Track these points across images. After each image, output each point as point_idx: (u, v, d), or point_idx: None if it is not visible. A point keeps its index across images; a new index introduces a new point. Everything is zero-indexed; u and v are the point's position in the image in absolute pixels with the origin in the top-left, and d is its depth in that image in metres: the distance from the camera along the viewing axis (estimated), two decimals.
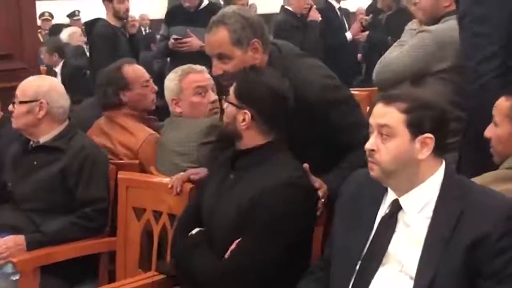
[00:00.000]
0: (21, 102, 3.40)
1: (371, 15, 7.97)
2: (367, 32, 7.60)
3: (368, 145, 2.25)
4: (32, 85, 3.45)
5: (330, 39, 7.14)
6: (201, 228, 2.72)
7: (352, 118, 2.80)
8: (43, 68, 7.74)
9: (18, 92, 3.43)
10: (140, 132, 3.83)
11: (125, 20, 6.02)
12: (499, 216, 2.11)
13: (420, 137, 2.20)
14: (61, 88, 3.52)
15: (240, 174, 2.67)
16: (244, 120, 2.64)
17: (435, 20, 3.66)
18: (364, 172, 2.34)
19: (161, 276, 2.94)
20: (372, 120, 2.26)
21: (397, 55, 3.64)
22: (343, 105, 2.85)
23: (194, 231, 2.72)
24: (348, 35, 7.42)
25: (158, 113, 4.15)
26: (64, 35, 8.34)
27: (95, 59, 5.96)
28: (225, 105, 2.72)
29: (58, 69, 7.51)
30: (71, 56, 7.69)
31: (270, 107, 2.65)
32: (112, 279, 3.33)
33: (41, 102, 3.39)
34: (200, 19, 5.68)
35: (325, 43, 7.05)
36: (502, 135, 2.71)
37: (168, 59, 6.39)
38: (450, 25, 3.45)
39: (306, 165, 2.67)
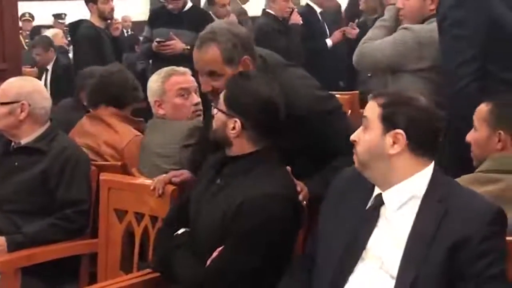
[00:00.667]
0: (2, 104, 3.39)
1: (356, 21, 7.92)
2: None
3: (351, 136, 2.32)
4: (14, 86, 3.43)
5: (309, 44, 7.14)
6: (187, 229, 2.72)
7: (341, 127, 2.81)
8: (31, 70, 7.73)
9: None
10: (126, 132, 3.85)
11: (109, 21, 6.01)
12: (482, 219, 2.14)
13: (391, 132, 2.23)
14: (43, 89, 3.52)
15: (227, 180, 2.65)
16: (234, 128, 2.62)
17: (420, 22, 3.70)
18: (352, 171, 2.39)
19: (142, 278, 2.92)
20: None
21: (378, 43, 3.70)
22: (333, 115, 2.86)
23: (180, 231, 2.72)
24: (329, 41, 7.42)
25: (142, 115, 4.17)
26: (52, 35, 8.30)
27: (78, 59, 5.96)
28: (214, 111, 2.70)
29: (50, 66, 7.51)
30: (59, 54, 7.69)
31: (260, 116, 2.63)
32: (93, 280, 3.31)
33: (22, 104, 3.38)
34: (183, 21, 5.70)
35: (305, 47, 7.06)
36: (480, 139, 2.77)
37: (151, 61, 6.39)
38: (433, 27, 3.48)
39: (288, 168, 2.68)
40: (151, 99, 3.68)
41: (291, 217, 2.59)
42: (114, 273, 3.23)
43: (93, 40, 5.89)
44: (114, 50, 6.37)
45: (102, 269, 3.29)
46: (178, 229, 2.74)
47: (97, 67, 4.51)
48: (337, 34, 7.44)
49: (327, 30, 7.63)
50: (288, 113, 2.69)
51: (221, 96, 2.67)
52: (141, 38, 8.38)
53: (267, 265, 2.54)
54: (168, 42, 5.64)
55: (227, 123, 2.64)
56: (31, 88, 3.45)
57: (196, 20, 5.47)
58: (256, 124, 2.63)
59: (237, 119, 2.62)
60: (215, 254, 2.56)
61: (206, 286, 2.54)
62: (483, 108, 2.77)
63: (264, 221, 2.51)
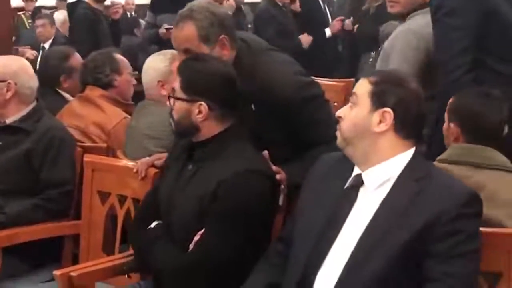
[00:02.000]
0: None
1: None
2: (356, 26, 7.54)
3: (337, 112, 2.31)
4: (0, 65, 3.40)
5: (309, 32, 7.10)
6: (160, 222, 2.70)
7: (323, 115, 2.80)
8: (32, 52, 7.67)
9: None
10: (115, 114, 3.86)
11: (105, 2, 5.97)
12: (457, 200, 2.12)
13: (379, 110, 2.21)
14: (30, 69, 3.48)
15: (199, 165, 2.64)
16: (200, 112, 2.60)
17: (410, 12, 3.62)
18: (334, 155, 2.37)
19: (124, 260, 2.92)
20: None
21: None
22: (315, 102, 2.84)
23: (153, 225, 2.69)
24: (328, 31, 7.37)
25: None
26: (57, 19, 8.21)
27: (74, 41, 5.92)
28: (171, 102, 2.65)
29: (47, 44, 7.48)
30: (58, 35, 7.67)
31: (224, 93, 2.62)
32: (75, 262, 3.30)
33: (8, 83, 3.35)
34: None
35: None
36: (444, 130, 2.80)
37: (156, 47, 6.32)
38: (426, 21, 3.42)
39: (265, 152, 2.66)
40: (153, 79, 3.62)
41: (268, 191, 2.59)
42: (96, 255, 3.23)
43: (89, 22, 5.85)
44: (112, 33, 6.33)
45: (84, 251, 3.29)
46: (151, 222, 2.70)
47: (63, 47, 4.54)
48: (336, 24, 7.40)
49: (330, 19, 7.59)
50: (268, 98, 2.67)
51: (177, 84, 2.62)
52: (142, 22, 8.36)
53: (250, 243, 2.54)
54: None
55: (191, 110, 2.60)
56: (18, 67, 3.42)
57: None
58: (221, 102, 2.61)
59: (202, 102, 2.59)
60: (197, 237, 2.54)
61: (191, 270, 2.52)
62: (451, 100, 2.81)
63: (243, 198, 2.52)
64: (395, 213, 2.15)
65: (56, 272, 2.76)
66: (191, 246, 2.55)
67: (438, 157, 2.70)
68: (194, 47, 2.73)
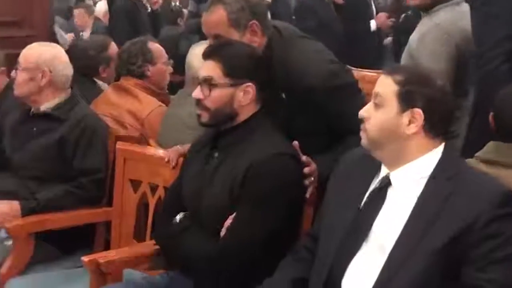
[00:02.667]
0: (23, 69, 3.38)
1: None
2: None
3: (360, 112, 2.23)
4: (36, 52, 3.42)
5: (353, 24, 7.04)
6: (185, 212, 2.68)
7: (355, 104, 2.74)
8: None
9: (21, 58, 3.41)
10: (150, 102, 3.87)
11: None
12: (491, 201, 2.05)
13: (408, 111, 2.15)
14: (65, 56, 3.49)
15: (226, 151, 2.62)
16: (245, 94, 2.57)
17: (428, 4, 3.52)
18: (360, 151, 2.31)
19: (155, 247, 2.92)
20: (374, 89, 2.24)
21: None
22: (347, 90, 2.79)
23: (178, 217, 2.67)
24: (373, 23, 7.28)
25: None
26: (99, 9, 8.27)
27: (114, 31, 5.94)
28: (205, 92, 2.58)
29: (86, 33, 7.51)
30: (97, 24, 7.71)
31: (263, 74, 2.61)
32: (108, 249, 3.31)
33: (43, 70, 3.37)
34: None
35: (348, 27, 6.95)
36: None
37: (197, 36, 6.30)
38: (452, 15, 3.35)
39: (295, 143, 2.63)
40: (197, 68, 3.59)
41: (298, 174, 2.57)
42: (127, 242, 3.25)
43: (128, 12, 5.87)
44: (152, 23, 6.35)
45: (116, 238, 3.31)
46: (175, 215, 2.69)
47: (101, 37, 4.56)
48: (382, 17, 7.31)
49: (375, 11, 7.50)
50: (299, 86, 2.65)
51: (215, 71, 2.58)
52: (185, 11, 8.36)
53: (281, 227, 2.53)
54: None
55: (235, 94, 2.57)
56: (53, 54, 3.44)
57: None
58: (261, 83, 2.59)
59: (249, 83, 2.57)
60: (228, 222, 2.52)
61: (225, 255, 2.51)
62: None
63: (274, 181, 2.49)
64: (429, 216, 2.09)
65: (84, 258, 2.77)
66: (222, 232, 2.53)
67: (475, 154, 2.62)
68: (224, 32, 2.71)
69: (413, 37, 3.50)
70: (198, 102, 2.60)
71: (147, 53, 4.00)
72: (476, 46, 3.17)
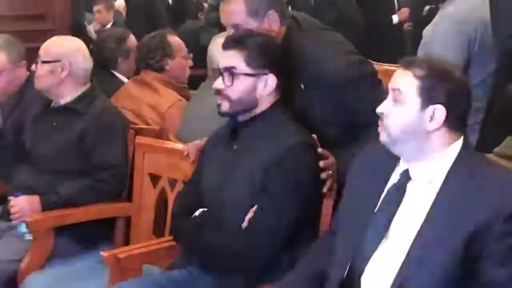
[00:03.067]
0: (43, 62, 3.37)
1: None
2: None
3: (378, 108, 2.18)
4: (56, 45, 3.41)
5: (374, 18, 6.97)
6: (204, 209, 2.67)
7: (374, 95, 2.70)
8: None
9: (41, 51, 3.40)
10: (170, 96, 3.86)
11: None
12: (510, 197, 2.01)
13: (430, 108, 2.10)
14: (85, 49, 3.48)
15: (245, 143, 2.61)
16: (267, 84, 2.58)
17: None
18: (378, 145, 2.26)
19: (174, 242, 2.90)
20: (389, 83, 2.18)
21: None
22: (366, 80, 2.75)
23: (197, 213, 2.66)
24: (395, 18, 7.20)
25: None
26: (119, 3, 8.27)
27: (131, 26, 5.91)
28: (226, 82, 2.59)
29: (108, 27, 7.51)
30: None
31: (283, 64, 2.62)
32: (126, 243, 3.31)
33: (63, 63, 3.36)
34: None
35: (369, 20, 6.88)
36: None
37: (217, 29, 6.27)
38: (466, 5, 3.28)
39: (314, 136, 2.61)
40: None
41: (317, 162, 2.57)
42: (147, 237, 3.23)
43: (144, 6, 5.85)
44: (172, 16, 6.31)
45: (135, 233, 3.31)
46: (193, 212, 2.68)
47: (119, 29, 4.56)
48: (405, 11, 7.23)
49: (397, 5, 7.41)
50: (318, 76, 2.63)
51: (237, 60, 2.58)
52: (205, 5, 8.33)
53: (304, 217, 2.53)
54: None
55: (257, 84, 2.58)
56: (73, 47, 3.43)
57: None
58: (281, 73, 2.61)
59: (271, 73, 2.58)
60: (250, 214, 2.51)
61: (250, 247, 2.49)
62: None
63: (296, 171, 2.51)
64: (449, 212, 2.05)
65: (104, 253, 2.77)
66: (244, 224, 2.51)
67: (494, 150, 2.57)
68: (242, 21, 2.70)
69: (427, 28, 3.45)
70: (219, 92, 2.61)
71: (167, 47, 3.99)
72: (495, 29, 3.10)
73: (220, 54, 3.46)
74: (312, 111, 2.70)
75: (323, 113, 2.70)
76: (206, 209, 2.66)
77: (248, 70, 2.58)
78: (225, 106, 2.61)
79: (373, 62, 3.10)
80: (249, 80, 2.59)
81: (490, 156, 2.49)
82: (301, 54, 2.70)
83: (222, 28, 5.62)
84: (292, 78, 2.65)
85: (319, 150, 2.60)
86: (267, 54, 2.60)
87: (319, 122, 2.69)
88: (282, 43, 2.71)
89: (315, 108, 2.70)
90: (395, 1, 7.49)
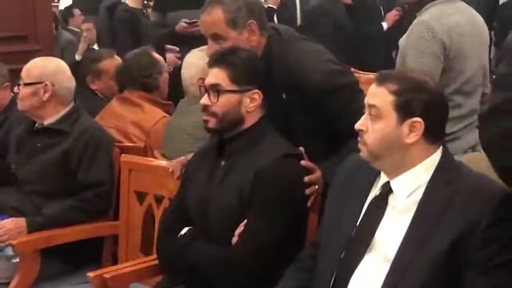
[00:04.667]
0: (26, 84, 3.37)
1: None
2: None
3: (357, 125, 2.18)
4: (37, 66, 3.41)
5: (366, 27, 6.97)
6: (190, 227, 2.65)
7: (355, 104, 2.70)
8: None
9: (23, 74, 3.40)
10: (154, 113, 3.85)
11: (145, 1, 5.93)
12: (491, 204, 2.00)
13: (408, 121, 2.10)
14: (67, 69, 3.48)
15: (233, 159, 2.61)
16: (252, 101, 2.59)
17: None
18: (358, 157, 2.26)
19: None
20: (365, 100, 2.19)
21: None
22: (347, 90, 2.75)
23: (184, 231, 2.65)
24: (384, 25, 7.21)
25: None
26: None
27: (117, 43, 5.87)
28: (212, 97, 2.59)
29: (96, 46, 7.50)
30: None
31: (264, 80, 2.62)
32: (115, 263, 3.29)
33: (46, 84, 3.35)
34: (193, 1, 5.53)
35: (358, 30, 6.89)
36: None
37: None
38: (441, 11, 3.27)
39: (301, 148, 2.60)
40: (194, 76, 3.57)
41: (304, 174, 2.58)
42: (135, 255, 3.21)
43: (130, 23, 5.82)
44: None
45: (123, 252, 3.28)
46: (180, 230, 2.66)
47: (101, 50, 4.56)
48: (391, 15, 7.23)
49: (383, 12, 7.43)
50: (299, 86, 2.64)
51: (222, 77, 2.58)
52: None
53: (294, 230, 2.54)
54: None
55: (242, 100, 2.59)
56: (55, 68, 3.43)
57: None
58: (264, 89, 2.61)
59: (256, 90, 2.58)
60: (239, 230, 2.50)
61: (241, 263, 2.48)
62: None
63: (285, 183, 2.52)
64: (431, 222, 2.05)
65: (90, 274, 2.74)
66: (234, 239, 2.51)
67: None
68: (221, 32, 2.69)
69: (403, 37, 3.44)
70: (205, 108, 2.61)
71: (157, 64, 3.99)
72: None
73: (189, 72, 3.56)
74: (294, 120, 2.70)
75: (305, 121, 2.70)
76: (191, 228, 2.65)
77: (233, 87, 2.58)
78: (212, 123, 2.61)
79: (361, 72, 3.10)
80: (234, 97, 2.59)
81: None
82: (282, 63, 2.70)
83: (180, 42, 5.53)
84: (273, 88, 2.65)
85: (303, 162, 2.60)
86: (252, 71, 2.60)
87: (301, 130, 2.69)
88: (263, 54, 2.71)
89: (297, 116, 2.70)
90: (381, 9, 7.51)
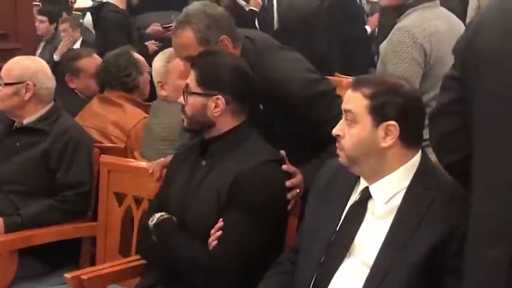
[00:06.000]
0: (6, 84, 3.34)
1: None
2: None
3: (334, 130, 2.19)
4: (18, 66, 3.39)
5: (350, 29, 6.98)
6: (162, 214, 2.64)
7: (334, 112, 2.69)
8: None
9: (3, 73, 3.37)
10: (135, 114, 3.84)
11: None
12: (466, 209, 1.99)
13: (383, 124, 2.11)
14: (47, 68, 3.46)
15: (214, 159, 2.61)
16: (216, 106, 2.57)
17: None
18: (338, 162, 2.27)
19: (140, 262, 2.87)
20: (342, 105, 2.20)
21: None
22: (324, 98, 2.77)
23: (155, 218, 2.62)
24: (368, 28, 7.24)
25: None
26: (87, 20, 8.19)
27: (107, 45, 5.83)
28: (184, 97, 2.61)
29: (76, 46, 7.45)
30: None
31: (239, 87, 2.60)
32: (93, 264, 3.28)
33: (27, 84, 3.34)
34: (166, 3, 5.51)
35: (341, 33, 6.90)
36: None
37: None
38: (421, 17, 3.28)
39: (283, 152, 2.61)
40: (155, 80, 3.65)
41: (285, 180, 2.58)
42: (113, 257, 3.20)
43: (120, 24, 5.79)
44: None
45: (101, 253, 3.26)
46: None
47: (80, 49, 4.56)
48: (373, 19, 7.26)
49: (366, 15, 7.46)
50: (275, 96, 2.64)
51: (191, 78, 2.59)
52: None
53: (273, 234, 2.54)
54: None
55: (207, 104, 2.58)
56: (36, 67, 3.41)
57: None
58: (237, 96, 2.59)
59: (219, 96, 2.57)
60: (218, 233, 2.49)
61: (219, 266, 2.47)
62: None
63: (264, 188, 2.51)
64: (409, 227, 2.06)
65: (67, 275, 2.73)
66: (212, 242, 2.50)
67: None
68: (195, 52, 2.67)
69: (383, 44, 3.45)
70: (182, 106, 2.64)
71: (137, 64, 3.99)
72: None
73: (155, 74, 3.61)
74: (273, 126, 2.70)
75: (284, 126, 2.71)
76: (163, 214, 2.63)
77: (198, 89, 2.58)
78: (185, 122, 2.66)
79: (343, 76, 3.09)
80: (199, 100, 2.59)
81: None
82: (258, 71, 2.69)
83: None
84: (250, 98, 2.65)
85: (284, 166, 2.60)
86: (219, 76, 2.58)
87: (281, 135, 2.69)
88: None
89: (275, 122, 2.70)
90: (364, 11, 7.54)
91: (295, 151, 2.66)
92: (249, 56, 2.74)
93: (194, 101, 2.59)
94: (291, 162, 2.63)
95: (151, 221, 2.62)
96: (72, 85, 4.32)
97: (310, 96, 2.70)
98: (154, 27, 5.54)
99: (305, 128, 2.70)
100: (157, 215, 2.63)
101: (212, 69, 2.58)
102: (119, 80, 3.92)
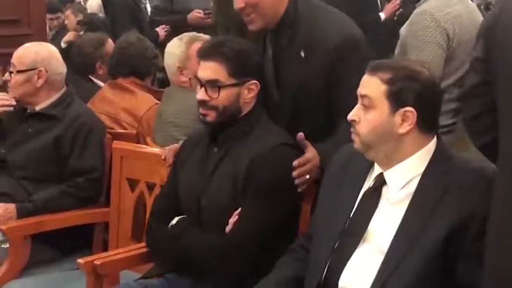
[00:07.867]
0: (19, 71, 3.33)
1: None
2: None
3: (349, 115, 2.16)
4: (30, 52, 3.37)
5: (362, 17, 6.93)
6: (183, 216, 2.64)
7: (359, 76, 2.44)
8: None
9: (14, 60, 3.36)
10: (147, 99, 3.83)
11: None
12: (486, 196, 1.97)
13: (400, 111, 2.08)
14: (59, 54, 3.45)
15: (226, 146, 2.60)
16: (250, 91, 2.59)
17: None
18: (352, 147, 2.25)
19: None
20: (358, 90, 2.17)
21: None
22: (358, 58, 2.61)
23: (174, 221, 2.64)
24: (382, 15, 7.18)
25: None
26: (90, 4, 8.17)
27: (118, 29, 5.82)
28: (211, 94, 2.56)
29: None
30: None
31: (259, 67, 2.64)
32: (105, 249, 3.28)
33: (39, 70, 3.33)
34: None
35: (359, 19, 6.85)
36: None
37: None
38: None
39: (301, 134, 2.56)
40: (172, 65, 3.59)
41: None
42: (125, 243, 3.20)
43: (131, 8, 5.78)
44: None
45: (113, 238, 3.27)
46: (170, 217, 2.66)
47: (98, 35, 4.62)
48: (389, 6, 7.21)
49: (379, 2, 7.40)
50: (320, 43, 2.61)
51: (217, 72, 2.55)
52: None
53: (288, 216, 2.55)
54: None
55: (240, 92, 2.58)
56: (48, 54, 3.40)
57: None
58: (259, 77, 2.62)
59: (253, 80, 2.58)
60: (234, 218, 2.50)
61: (236, 251, 2.48)
62: None
63: (278, 171, 2.51)
64: (425, 213, 2.05)
65: (80, 260, 2.73)
66: (228, 227, 2.50)
67: None
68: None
69: (403, 27, 3.43)
70: (203, 102, 2.58)
71: (150, 49, 3.97)
72: None
73: (172, 61, 3.56)
74: (306, 87, 2.65)
75: (313, 88, 2.64)
76: (183, 216, 2.64)
77: (232, 80, 2.56)
78: (212, 116, 2.59)
79: None
80: (234, 90, 2.57)
81: None
82: (307, 21, 2.65)
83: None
84: (292, 49, 2.63)
85: (308, 155, 2.55)
86: (247, 62, 2.59)
87: (304, 110, 2.66)
88: (286, 12, 2.65)
89: (310, 82, 2.64)
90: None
91: (312, 126, 2.63)
92: (300, 6, 2.68)
93: (228, 93, 2.56)
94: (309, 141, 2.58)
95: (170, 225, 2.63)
96: (100, 72, 4.32)
97: (348, 48, 2.62)
98: (195, 15, 5.46)
99: (327, 85, 2.63)
100: (176, 219, 2.64)
101: (238, 57, 2.56)
102: (132, 65, 3.89)
